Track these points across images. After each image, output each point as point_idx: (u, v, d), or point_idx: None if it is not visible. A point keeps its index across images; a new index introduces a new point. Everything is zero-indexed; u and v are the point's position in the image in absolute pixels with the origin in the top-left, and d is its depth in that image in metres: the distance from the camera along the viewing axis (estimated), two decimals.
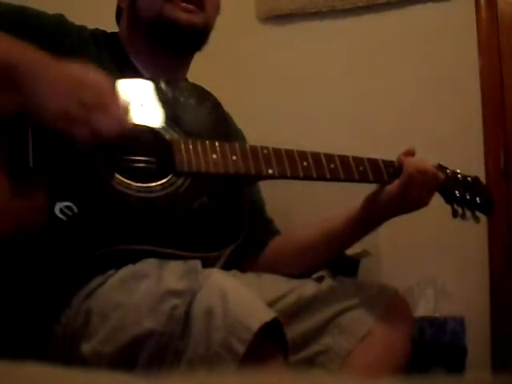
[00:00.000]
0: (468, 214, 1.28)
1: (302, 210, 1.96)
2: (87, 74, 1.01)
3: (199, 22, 1.26)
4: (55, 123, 0.97)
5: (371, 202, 1.22)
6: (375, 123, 2.04)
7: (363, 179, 1.21)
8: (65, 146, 1.01)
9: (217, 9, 1.35)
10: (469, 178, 1.31)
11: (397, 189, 1.18)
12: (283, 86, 2.13)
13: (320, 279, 1.26)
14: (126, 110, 1.03)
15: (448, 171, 1.29)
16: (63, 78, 0.99)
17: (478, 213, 1.29)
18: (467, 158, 1.85)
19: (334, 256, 1.33)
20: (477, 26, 1.98)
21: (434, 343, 1.78)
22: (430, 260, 1.95)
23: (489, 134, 1.95)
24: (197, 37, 1.29)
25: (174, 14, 1.24)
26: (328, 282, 1.25)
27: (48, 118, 0.97)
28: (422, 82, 2.02)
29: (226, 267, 1.17)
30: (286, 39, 2.15)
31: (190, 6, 1.25)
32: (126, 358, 0.92)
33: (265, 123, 2.01)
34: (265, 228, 1.39)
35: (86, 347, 0.94)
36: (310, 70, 2.11)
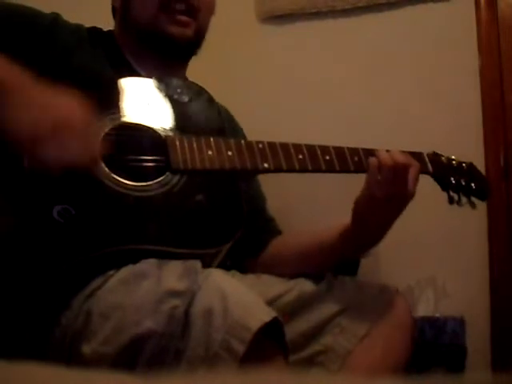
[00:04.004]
0: (464, 200, 1.28)
1: (301, 209, 1.96)
2: (65, 99, 0.96)
3: (191, 34, 1.27)
4: (22, 137, 0.92)
5: (355, 210, 1.19)
6: (375, 123, 2.04)
7: (358, 169, 1.20)
8: None
9: (211, 11, 1.35)
10: (463, 164, 1.31)
11: (365, 189, 1.15)
12: (283, 86, 2.13)
13: (320, 278, 1.26)
14: (96, 140, 1.01)
15: (443, 158, 1.29)
16: (41, 97, 0.95)
17: (473, 199, 1.29)
18: (467, 158, 1.84)
19: (332, 263, 1.30)
20: (477, 26, 1.97)
21: (434, 343, 1.78)
22: (430, 260, 1.94)
23: (489, 134, 1.95)
24: (188, 47, 1.30)
25: (168, 28, 1.25)
26: (328, 281, 1.26)
27: (17, 130, 0.92)
28: (421, 81, 2.01)
29: (227, 268, 1.17)
30: (286, 39, 2.15)
31: (184, 19, 1.26)
32: (126, 358, 0.92)
33: (265, 123, 2.01)
34: (265, 227, 1.39)
35: (87, 348, 0.94)
36: (310, 69, 2.11)
